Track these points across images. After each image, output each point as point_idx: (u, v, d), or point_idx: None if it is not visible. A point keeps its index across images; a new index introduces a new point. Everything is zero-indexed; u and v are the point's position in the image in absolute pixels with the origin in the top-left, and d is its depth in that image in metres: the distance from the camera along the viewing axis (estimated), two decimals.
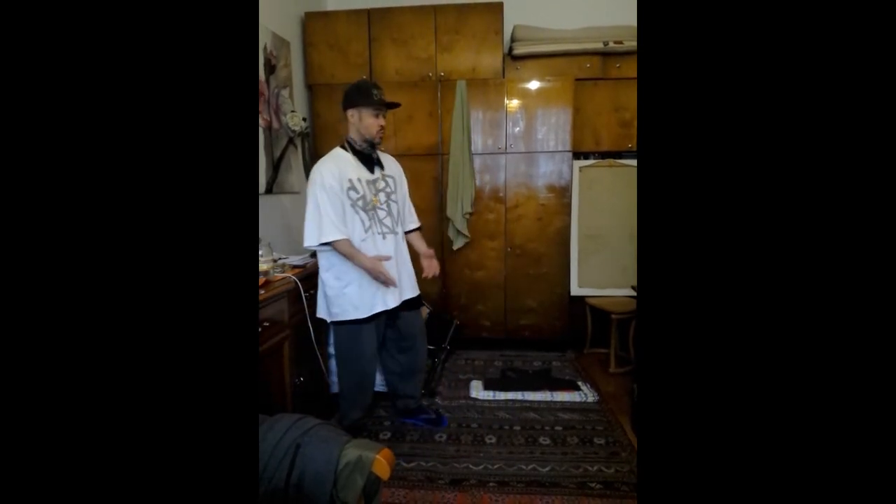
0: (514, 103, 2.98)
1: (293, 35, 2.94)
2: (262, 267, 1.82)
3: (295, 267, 2.04)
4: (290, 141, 2.80)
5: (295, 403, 1.91)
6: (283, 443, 1.09)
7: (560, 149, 2.98)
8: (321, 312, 1.98)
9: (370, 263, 1.83)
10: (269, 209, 2.56)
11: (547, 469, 1.86)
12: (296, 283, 1.88)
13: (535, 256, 3.07)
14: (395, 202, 1.95)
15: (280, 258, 2.10)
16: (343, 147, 1.91)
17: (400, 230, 1.97)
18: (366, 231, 1.86)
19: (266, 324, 1.68)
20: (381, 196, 1.91)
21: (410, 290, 2.04)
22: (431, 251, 2.11)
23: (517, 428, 2.19)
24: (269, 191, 2.56)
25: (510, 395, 2.49)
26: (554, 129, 2.97)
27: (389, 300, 1.94)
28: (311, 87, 3.10)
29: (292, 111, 2.80)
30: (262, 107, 2.50)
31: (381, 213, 1.90)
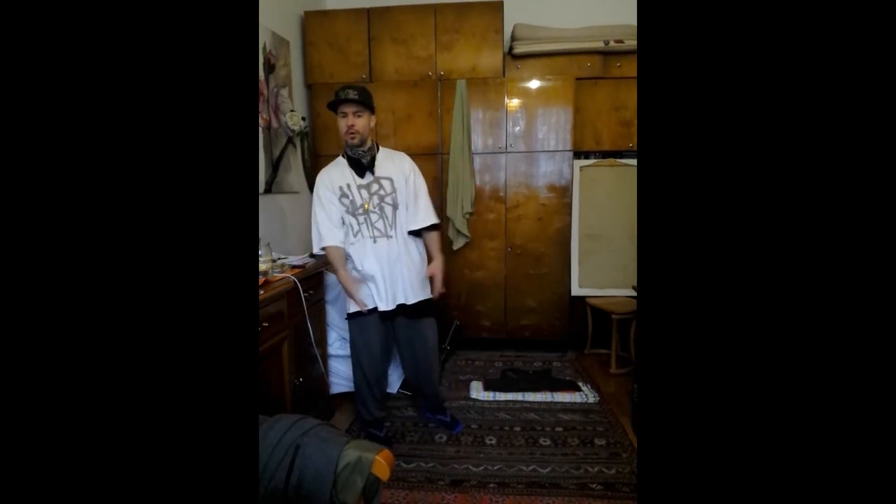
0: (514, 103, 2.97)
1: (293, 34, 2.93)
2: (262, 267, 1.81)
3: (294, 267, 2.03)
4: (290, 140, 2.80)
5: (294, 404, 1.90)
6: (282, 443, 1.08)
7: (560, 148, 2.98)
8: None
9: (345, 283, 1.92)
10: (268, 209, 2.55)
11: (547, 470, 1.86)
12: (295, 283, 1.88)
13: (536, 256, 3.07)
14: (391, 205, 1.92)
15: (279, 258, 2.09)
16: (343, 154, 1.96)
17: (396, 233, 1.92)
18: (354, 236, 1.92)
19: (265, 324, 1.67)
20: (374, 199, 1.90)
21: (409, 297, 1.96)
22: (438, 267, 2.00)
23: (517, 429, 2.18)
24: (268, 190, 2.55)
25: (510, 396, 2.48)
26: (554, 129, 2.97)
27: (379, 301, 1.95)
28: (310, 87, 3.10)
29: (291, 110, 2.80)
30: (261, 106, 2.50)
31: (374, 217, 1.91)
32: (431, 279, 2.05)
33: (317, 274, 2.17)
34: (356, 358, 2.04)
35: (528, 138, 3.00)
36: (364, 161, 1.91)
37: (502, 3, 2.92)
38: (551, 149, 2.99)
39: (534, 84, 2.97)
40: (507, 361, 3.00)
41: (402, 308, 1.96)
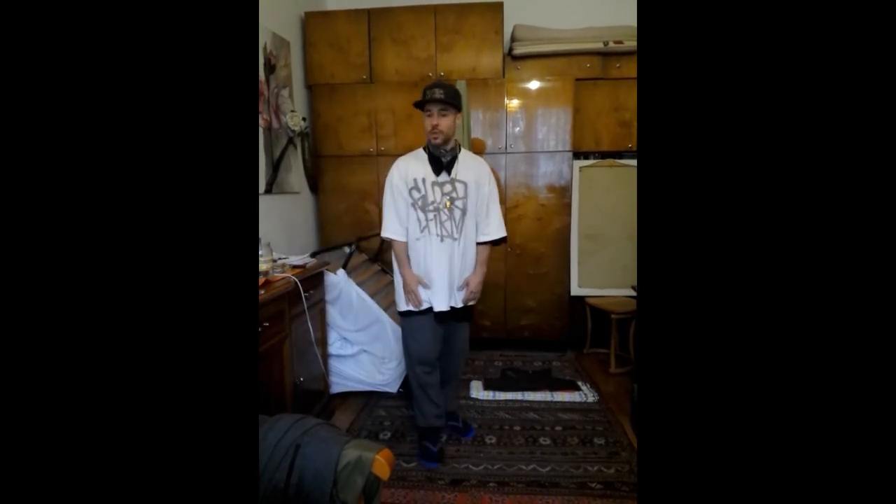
0: (514, 103, 2.98)
1: (293, 35, 2.94)
2: (262, 267, 1.82)
3: (295, 267, 2.03)
4: (290, 141, 2.80)
5: (295, 404, 1.91)
6: (283, 443, 1.09)
7: (560, 149, 2.99)
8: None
9: (408, 278, 1.88)
10: (268, 209, 2.56)
11: (547, 469, 1.86)
12: (296, 283, 1.88)
13: (536, 256, 3.07)
14: (460, 209, 1.87)
15: (280, 258, 2.09)
16: (424, 148, 1.93)
17: (462, 237, 1.89)
18: (420, 231, 1.86)
19: (266, 324, 1.68)
20: (446, 200, 1.86)
21: (460, 300, 1.95)
22: (478, 280, 1.95)
23: (517, 428, 2.19)
24: (268, 191, 2.56)
25: (510, 396, 2.49)
26: (554, 129, 2.97)
27: (436, 301, 1.90)
28: (310, 87, 3.10)
29: (292, 111, 2.80)
30: (261, 106, 2.50)
31: (443, 217, 1.86)
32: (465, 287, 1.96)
33: (317, 274, 2.17)
34: (410, 358, 2.00)
35: (528, 139, 3.00)
36: (444, 160, 1.86)
37: (502, 4, 2.92)
38: (551, 149, 3.00)
39: (533, 85, 2.97)
40: (506, 361, 3.00)
41: (453, 311, 1.94)
